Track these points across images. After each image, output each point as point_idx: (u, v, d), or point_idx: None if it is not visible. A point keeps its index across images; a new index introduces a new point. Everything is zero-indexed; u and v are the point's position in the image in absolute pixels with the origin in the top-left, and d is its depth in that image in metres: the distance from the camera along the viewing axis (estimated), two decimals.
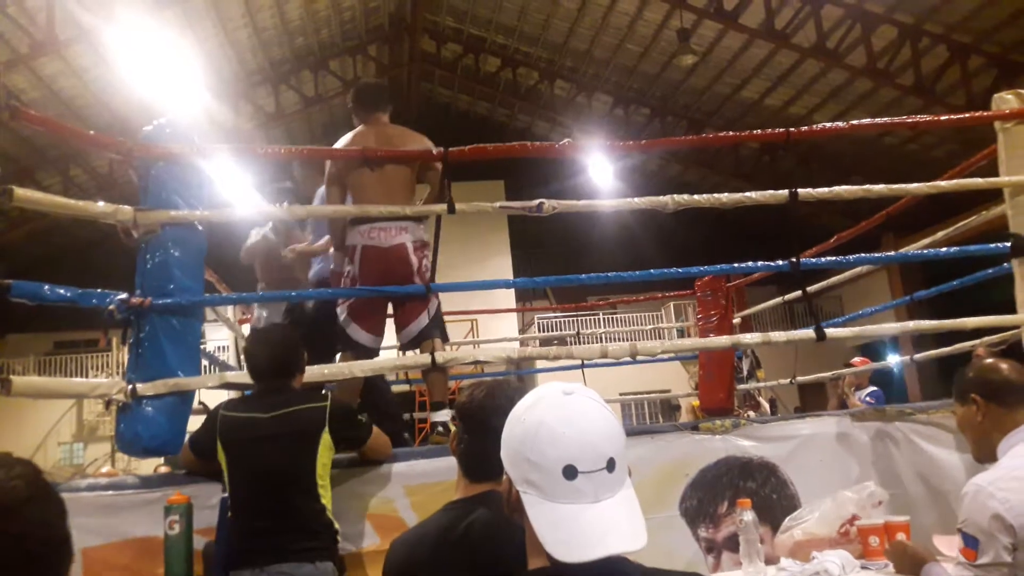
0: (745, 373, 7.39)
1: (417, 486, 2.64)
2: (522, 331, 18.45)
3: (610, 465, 1.14)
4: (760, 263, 3.45)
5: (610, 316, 19.94)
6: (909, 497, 2.81)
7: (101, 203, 2.79)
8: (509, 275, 18.13)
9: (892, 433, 2.97)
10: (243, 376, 2.69)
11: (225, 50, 14.18)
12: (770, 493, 2.81)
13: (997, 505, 1.91)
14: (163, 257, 2.79)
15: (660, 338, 17.96)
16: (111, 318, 2.66)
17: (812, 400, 15.73)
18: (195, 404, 2.88)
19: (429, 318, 3.48)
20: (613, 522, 1.12)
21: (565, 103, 18.47)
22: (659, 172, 20.46)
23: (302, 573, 2.28)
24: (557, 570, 1.12)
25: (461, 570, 1.57)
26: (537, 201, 3.06)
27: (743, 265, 3.47)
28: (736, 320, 6.28)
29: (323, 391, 2.91)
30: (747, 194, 3.24)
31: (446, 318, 3.67)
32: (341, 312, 3.50)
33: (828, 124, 4.01)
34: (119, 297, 2.68)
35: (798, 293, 3.50)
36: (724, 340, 4.03)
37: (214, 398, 3.05)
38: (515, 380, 1.89)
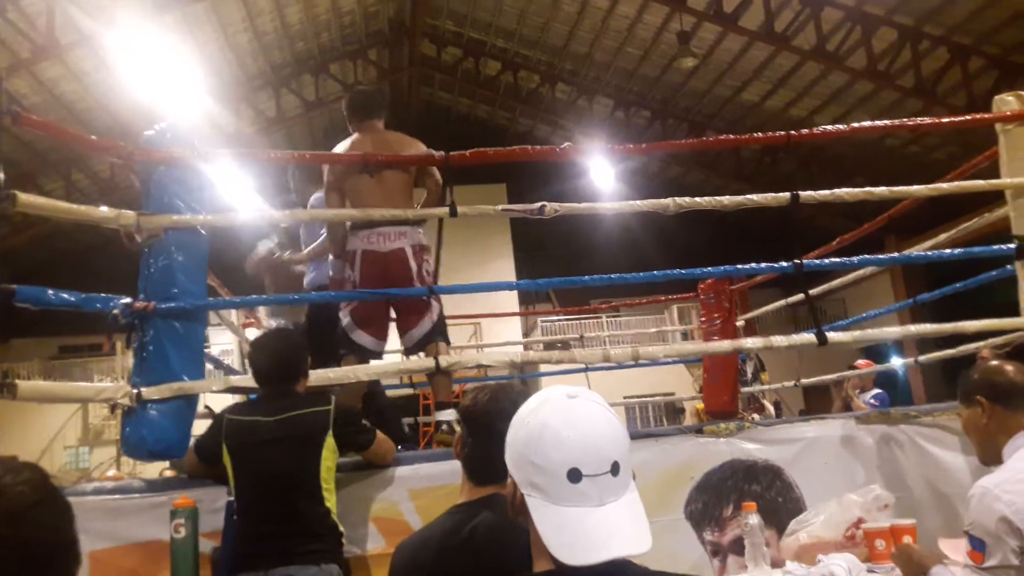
0: (749, 376, 7.38)
1: (421, 489, 2.63)
2: (525, 334, 18.46)
3: (614, 468, 1.15)
4: (764, 265, 3.45)
5: (613, 319, 19.93)
6: (915, 500, 2.81)
7: (104, 208, 2.79)
8: (512, 278, 18.10)
9: (897, 436, 2.96)
10: (248, 380, 2.69)
11: (226, 54, 14.20)
12: (775, 496, 2.80)
13: (1004, 508, 1.91)
14: (166, 261, 2.79)
15: (663, 341, 17.96)
16: (115, 322, 2.66)
17: (817, 403, 15.69)
18: (200, 408, 2.88)
19: (432, 323, 3.48)
20: (617, 525, 1.13)
21: (566, 106, 18.49)
22: (660, 174, 20.47)
23: (307, 575, 2.28)
24: (562, 573, 1.12)
25: (466, 573, 1.57)
26: (539, 204, 3.07)
27: (747, 267, 3.47)
28: (739, 323, 6.28)
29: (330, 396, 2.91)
30: (749, 196, 3.24)
31: (449, 322, 3.67)
32: (344, 317, 3.50)
33: (829, 127, 4.01)
34: (123, 301, 2.68)
35: (801, 296, 3.49)
36: (726, 345, 4.03)
37: (218, 402, 3.05)
38: (519, 383, 1.89)
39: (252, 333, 5.79)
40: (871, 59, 13.02)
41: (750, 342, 3.59)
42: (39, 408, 15.82)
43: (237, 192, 10.97)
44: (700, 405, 7.29)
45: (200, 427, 2.71)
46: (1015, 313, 3.32)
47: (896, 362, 10.34)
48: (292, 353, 2.64)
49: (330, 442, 2.45)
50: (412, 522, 2.56)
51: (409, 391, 7.80)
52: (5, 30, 10.98)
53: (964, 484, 2.43)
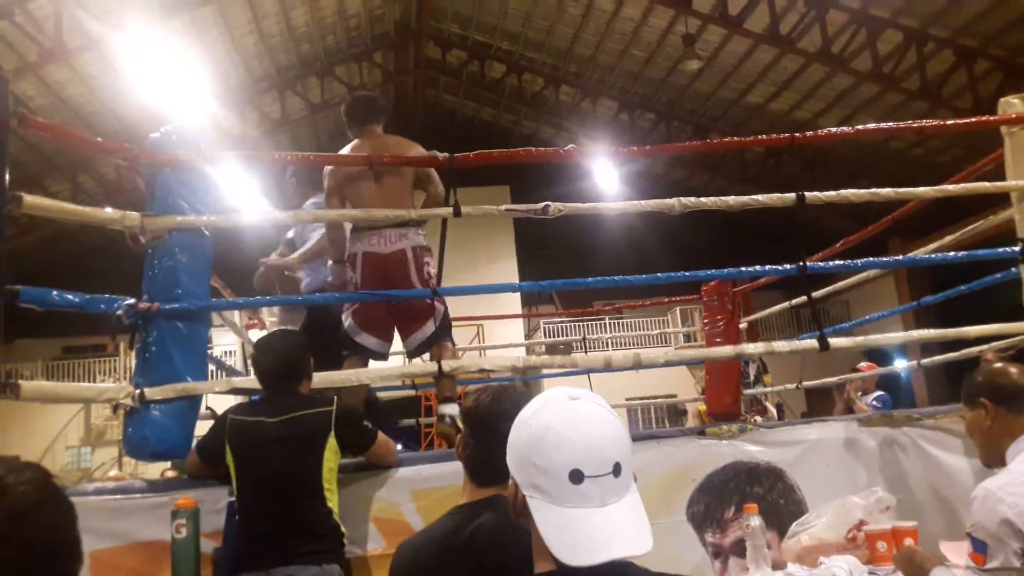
0: (752, 378, 7.37)
1: (423, 490, 2.64)
2: (528, 336, 18.46)
3: (616, 470, 1.15)
4: (767, 267, 3.44)
5: (616, 321, 19.93)
6: (917, 502, 2.80)
7: (109, 209, 2.80)
8: (515, 279, 18.13)
9: (899, 438, 2.96)
10: (250, 381, 2.70)
11: (232, 57, 14.25)
12: (777, 498, 2.80)
13: (1006, 510, 1.90)
14: (170, 262, 2.81)
15: (666, 343, 17.94)
16: (119, 323, 2.68)
17: (819, 405, 15.65)
18: (202, 409, 2.89)
19: (436, 325, 3.48)
20: (619, 526, 1.13)
21: (570, 108, 18.50)
22: (664, 176, 20.46)
23: (308, 575, 2.29)
24: (563, 574, 1.13)
25: (467, 574, 1.57)
26: (543, 203, 3.06)
27: (750, 269, 3.46)
28: (742, 325, 6.27)
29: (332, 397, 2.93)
30: (754, 197, 3.24)
31: (452, 323, 3.68)
32: (347, 319, 3.51)
33: (834, 129, 4.02)
34: (127, 302, 2.69)
35: (804, 298, 3.48)
36: (728, 350, 4.03)
37: (221, 403, 3.06)
38: (521, 385, 1.90)
39: (255, 334, 5.81)
40: (876, 61, 13.01)
41: (752, 347, 3.59)
42: (42, 408, 15.87)
43: (242, 194, 11.01)
44: (702, 407, 7.28)
45: (202, 428, 2.72)
46: (1020, 316, 3.31)
47: (899, 364, 10.31)
48: (295, 354, 2.65)
49: (332, 443, 2.45)
50: (413, 523, 2.57)
51: (411, 393, 7.82)
52: (13, 33, 11.04)
53: (966, 487, 2.42)
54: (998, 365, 2.31)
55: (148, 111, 11.13)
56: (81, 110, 13.36)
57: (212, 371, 3.57)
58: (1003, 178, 3.49)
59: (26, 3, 10.70)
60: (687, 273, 3.40)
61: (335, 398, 2.61)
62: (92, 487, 2.65)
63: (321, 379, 2.78)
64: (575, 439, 1.14)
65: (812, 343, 3.11)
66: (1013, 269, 3.58)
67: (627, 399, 14.79)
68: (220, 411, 2.73)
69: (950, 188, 3.51)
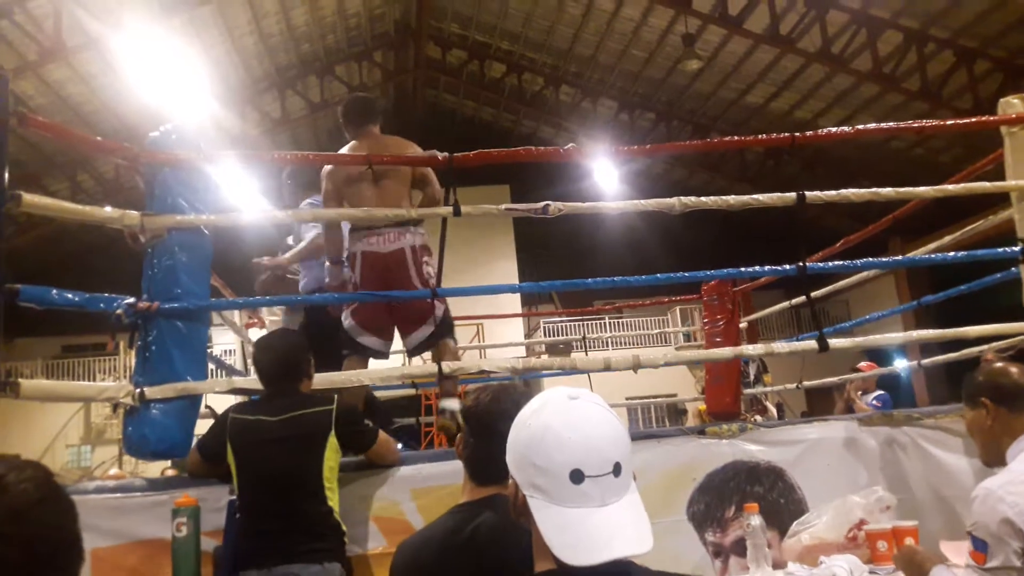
0: (752, 377, 7.37)
1: (423, 489, 2.64)
2: (528, 335, 18.47)
3: (616, 469, 1.15)
4: (767, 267, 3.44)
5: (616, 320, 19.94)
6: (917, 502, 2.80)
7: (108, 208, 2.80)
8: (514, 279, 18.14)
9: (900, 438, 2.96)
10: (250, 380, 2.70)
11: (231, 56, 14.24)
12: (777, 498, 2.80)
13: (1007, 509, 1.90)
14: (170, 262, 2.81)
15: (666, 342, 17.95)
16: (118, 322, 2.68)
17: (819, 404, 15.66)
18: (201, 408, 2.89)
19: (435, 324, 3.48)
20: (619, 526, 1.13)
21: (570, 108, 18.50)
22: (664, 176, 20.46)
23: (309, 574, 2.29)
24: (564, 573, 1.13)
25: (467, 573, 1.57)
26: (543, 203, 3.06)
27: (750, 269, 3.46)
28: (742, 324, 6.27)
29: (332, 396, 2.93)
30: (755, 196, 3.24)
31: (453, 321, 3.68)
32: (347, 319, 3.50)
33: (834, 129, 4.02)
34: (126, 301, 2.69)
35: (804, 298, 3.49)
36: (727, 351, 4.04)
37: (220, 402, 3.06)
38: (521, 384, 1.89)
39: (255, 333, 5.82)
40: (876, 62, 13.01)
41: (751, 348, 3.59)
42: (42, 407, 15.90)
43: (241, 193, 11.01)
44: (702, 406, 7.28)
45: (202, 427, 2.72)
46: (1020, 316, 3.31)
47: (899, 364, 10.31)
48: (295, 354, 2.65)
49: (332, 441, 2.46)
50: (414, 522, 2.57)
51: (411, 392, 7.82)
52: (12, 32, 11.04)
53: (966, 486, 2.42)
54: (999, 365, 2.32)
55: (148, 110, 11.12)
56: (81, 109, 13.36)
57: (212, 370, 3.58)
58: (1003, 178, 3.50)
59: (25, 2, 10.70)
60: (686, 274, 3.40)
61: (336, 397, 2.61)
62: (92, 485, 2.66)
63: (321, 380, 2.78)
64: (575, 439, 1.15)
65: (811, 344, 3.11)
66: (1013, 269, 3.58)
67: (627, 398, 14.78)
68: (219, 410, 2.73)
69: (950, 188, 3.51)
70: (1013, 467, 2.06)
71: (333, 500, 2.43)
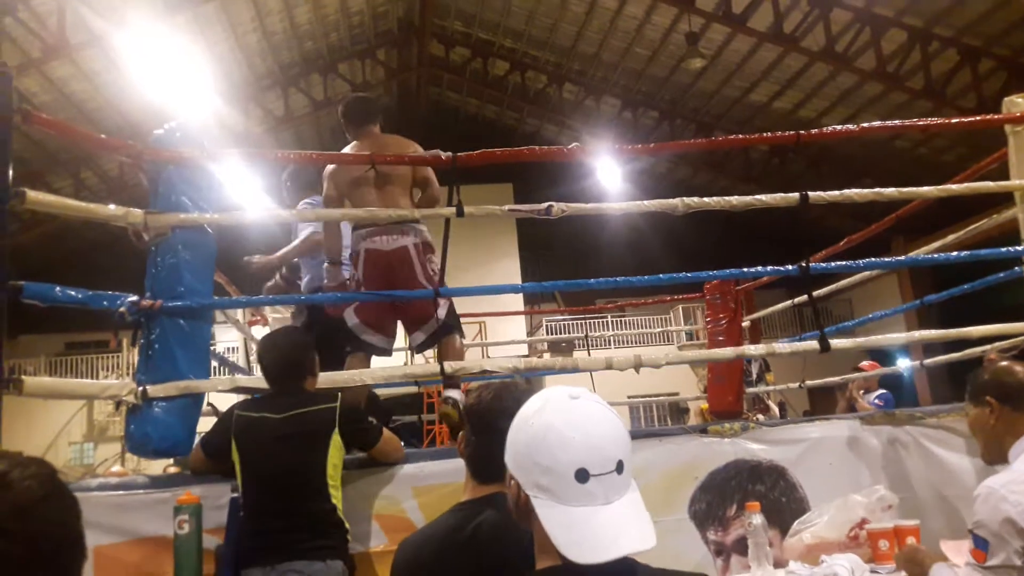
0: (754, 376, 7.37)
1: (425, 487, 2.64)
2: (530, 333, 18.46)
3: (619, 467, 1.16)
4: (770, 267, 3.43)
5: (618, 319, 19.93)
6: (919, 501, 2.80)
7: (112, 206, 2.81)
8: (517, 277, 18.15)
9: (902, 437, 2.96)
10: (253, 379, 2.71)
11: (235, 54, 14.25)
12: (779, 496, 2.80)
13: (1009, 508, 1.90)
14: (173, 260, 2.81)
15: (669, 341, 17.94)
16: (122, 320, 2.68)
17: (821, 403, 15.66)
18: (204, 406, 2.89)
19: (440, 321, 3.49)
20: (624, 523, 1.14)
21: (573, 106, 18.48)
22: (668, 175, 20.44)
23: (312, 571, 2.30)
24: (568, 570, 1.13)
25: (468, 571, 1.57)
26: (546, 204, 3.06)
27: (752, 269, 3.45)
28: (745, 323, 6.27)
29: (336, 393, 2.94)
30: (758, 197, 3.24)
31: (458, 317, 3.69)
32: (350, 317, 3.51)
33: (838, 127, 4.01)
34: (129, 299, 2.70)
35: (806, 297, 3.48)
36: (728, 352, 4.04)
37: (223, 400, 3.06)
38: (523, 382, 1.89)
39: (258, 331, 5.83)
40: (880, 60, 12.98)
41: (753, 348, 3.59)
42: (45, 404, 15.92)
43: (245, 191, 11.02)
44: (705, 405, 7.29)
45: (204, 425, 2.73)
46: (1023, 315, 3.31)
47: (901, 364, 10.29)
48: (299, 351, 2.66)
49: (336, 439, 2.46)
50: (415, 520, 2.57)
51: (414, 389, 7.83)
52: (16, 29, 11.05)
53: (968, 486, 2.42)
54: (1004, 364, 2.31)
55: (152, 108, 11.14)
56: (84, 106, 13.38)
57: (215, 367, 3.58)
58: (1007, 177, 3.49)
59: None
60: (689, 274, 3.40)
61: (339, 394, 2.61)
62: (95, 483, 2.66)
63: (324, 379, 2.79)
64: (579, 438, 1.15)
65: (813, 344, 3.11)
66: (1016, 268, 3.58)
67: (629, 397, 14.77)
68: (222, 408, 2.73)
69: (954, 188, 3.51)
70: (1016, 466, 2.06)
71: (337, 498, 2.43)
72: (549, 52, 17.24)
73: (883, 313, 5.97)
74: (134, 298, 2.71)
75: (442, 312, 3.49)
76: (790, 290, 8.71)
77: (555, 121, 19.55)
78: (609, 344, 17.45)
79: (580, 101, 18.29)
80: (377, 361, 3.60)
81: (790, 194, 3.17)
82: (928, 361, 5.17)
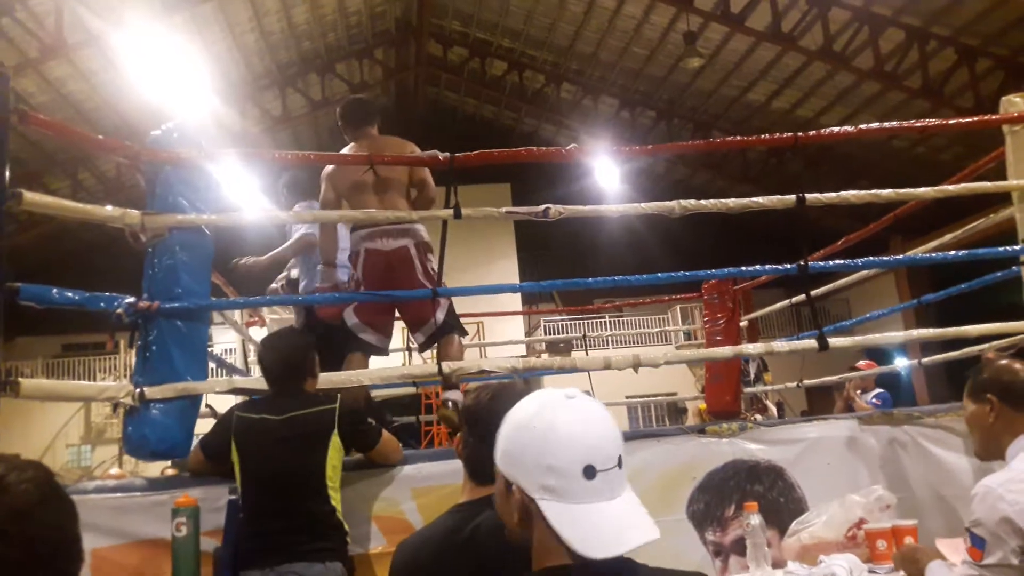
0: (752, 376, 7.37)
1: (423, 489, 2.64)
2: (528, 333, 18.45)
3: (620, 462, 1.17)
4: (768, 267, 3.44)
5: (616, 319, 19.93)
6: (917, 501, 2.80)
7: (109, 207, 2.80)
8: (515, 277, 18.14)
9: (900, 437, 2.96)
10: (251, 380, 2.70)
11: (232, 54, 14.24)
12: (777, 496, 2.80)
13: (1007, 507, 1.90)
14: (170, 261, 2.80)
15: (667, 341, 17.94)
16: (119, 321, 2.68)
17: (819, 403, 15.68)
18: (201, 407, 2.89)
19: (441, 320, 3.49)
20: (630, 517, 1.15)
21: (571, 106, 18.49)
22: (666, 175, 20.45)
23: (312, 573, 2.30)
24: (571, 569, 1.13)
25: (467, 572, 1.57)
26: (543, 206, 3.06)
27: (750, 268, 3.46)
28: (743, 323, 6.27)
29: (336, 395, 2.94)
30: (754, 199, 3.24)
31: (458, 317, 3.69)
32: (349, 317, 3.51)
33: (836, 128, 4.02)
34: (127, 300, 2.69)
35: (804, 297, 3.48)
36: (726, 351, 4.04)
37: (220, 401, 3.06)
38: (521, 383, 1.89)
39: (256, 332, 5.82)
40: (878, 60, 12.99)
41: (751, 348, 3.59)
42: (42, 406, 15.89)
43: (243, 192, 11.00)
44: (703, 405, 7.28)
45: (202, 427, 2.72)
46: (1020, 315, 3.31)
47: (899, 363, 10.30)
48: (300, 353, 2.65)
49: (335, 441, 2.46)
50: (414, 521, 2.57)
51: (412, 390, 7.82)
52: (13, 29, 11.04)
53: (966, 485, 2.42)
54: (1005, 362, 2.31)
55: (149, 108, 11.13)
56: (82, 107, 13.36)
57: (212, 369, 3.58)
58: (1004, 177, 3.49)
59: None
60: (687, 273, 3.40)
61: (338, 396, 2.61)
62: (92, 485, 2.66)
63: (322, 380, 2.78)
64: (582, 436, 1.16)
65: (811, 343, 3.11)
66: (1013, 268, 3.59)
67: (627, 397, 14.79)
68: (220, 409, 2.73)
69: (950, 188, 3.51)
70: (1014, 465, 2.06)
71: (336, 499, 2.43)
72: (547, 52, 17.25)
73: (881, 312, 5.97)
74: (131, 299, 2.70)
75: (440, 314, 3.49)
76: (788, 290, 8.72)
77: (553, 121, 19.55)
78: (607, 344, 17.45)
79: (578, 101, 18.30)
80: (375, 362, 3.60)
81: (787, 196, 3.17)
82: (926, 360, 5.18)
